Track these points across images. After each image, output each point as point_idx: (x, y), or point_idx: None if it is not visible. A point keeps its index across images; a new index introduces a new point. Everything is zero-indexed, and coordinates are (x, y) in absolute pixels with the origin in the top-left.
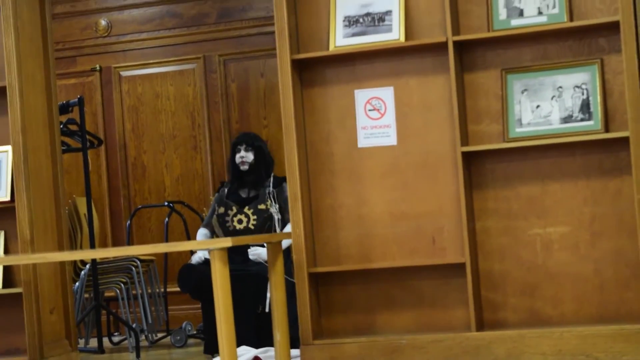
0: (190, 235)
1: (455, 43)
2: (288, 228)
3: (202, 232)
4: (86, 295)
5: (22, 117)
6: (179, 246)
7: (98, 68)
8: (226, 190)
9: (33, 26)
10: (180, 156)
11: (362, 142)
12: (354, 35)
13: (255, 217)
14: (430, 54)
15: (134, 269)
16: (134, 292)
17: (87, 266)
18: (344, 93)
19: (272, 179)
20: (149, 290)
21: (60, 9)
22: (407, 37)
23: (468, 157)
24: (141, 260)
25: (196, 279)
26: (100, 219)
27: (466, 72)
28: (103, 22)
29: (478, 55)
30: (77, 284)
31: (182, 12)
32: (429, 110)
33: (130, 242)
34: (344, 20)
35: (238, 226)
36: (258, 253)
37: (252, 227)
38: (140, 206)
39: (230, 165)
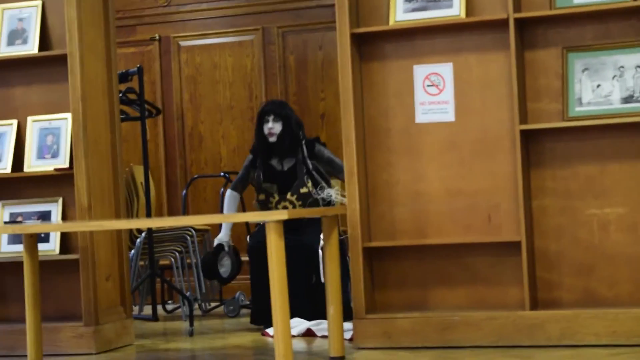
0: (245, 206)
1: (516, 20)
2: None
3: (231, 195)
4: (141, 263)
5: (82, 85)
6: (234, 217)
7: (157, 37)
8: (261, 174)
9: None
10: (237, 127)
11: (420, 117)
12: (414, 10)
13: (299, 202)
14: (491, 30)
15: (189, 238)
16: (188, 261)
17: (143, 234)
18: (403, 68)
19: (304, 147)
20: None
21: None
22: (467, 13)
23: (526, 136)
24: (196, 230)
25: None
26: (157, 187)
27: (526, 50)
28: None
29: (539, 33)
30: (132, 251)
31: None
32: (487, 88)
33: (185, 212)
34: None
35: None
36: (329, 193)
37: None
38: (196, 176)
39: (257, 135)
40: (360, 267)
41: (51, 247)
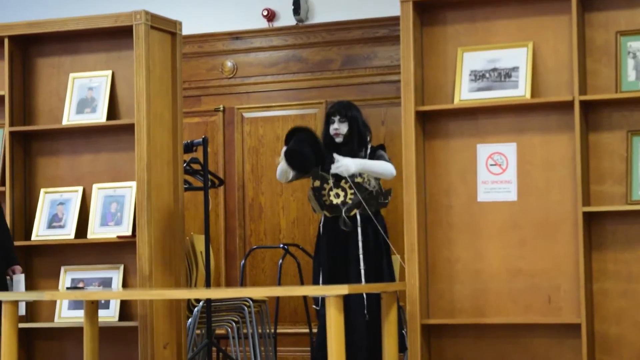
0: (303, 280)
1: (581, 102)
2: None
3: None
4: (197, 332)
5: (148, 154)
6: (294, 290)
7: (221, 108)
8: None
9: (163, 66)
10: (297, 199)
11: (482, 196)
12: (479, 89)
13: (352, 191)
14: (556, 112)
15: (246, 308)
16: (244, 331)
17: (201, 303)
18: (466, 147)
19: (368, 149)
20: (260, 331)
21: (188, 49)
22: (532, 94)
23: (589, 218)
24: (254, 300)
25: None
26: (216, 257)
27: (591, 132)
28: (229, 64)
29: (604, 116)
30: (189, 320)
31: (308, 57)
32: (551, 168)
33: (243, 282)
34: (470, 75)
35: (335, 200)
36: (344, 164)
37: (350, 202)
38: (255, 247)
39: (323, 136)
40: (418, 344)
41: (111, 314)
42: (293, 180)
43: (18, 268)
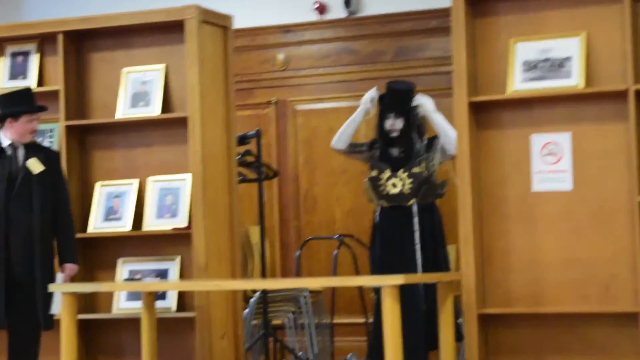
0: (359, 270)
1: (636, 92)
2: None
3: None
4: (254, 322)
5: (202, 147)
6: (350, 281)
7: (274, 101)
8: (378, 152)
9: (215, 59)
10: (351, 190)
11: (537, 186)
12: (532, 80)
13: (410, 180)
14: (610, 101)
15: (302, 299)
16: (301, 321)
17: (257, 294)
18: (520, 137)
19: (424, 141)
20: (316, 321)
21: (240, 42)
22: (586, 84)
23: None
24: (310, 291)
25: None
26: (271, 248)
27: None
28: (281, 57)
29: None
30: (246, 310)
31: (359, 49)
32: (606, 158)
33: (299, 273)
34: (522, 65)
35: (392, 190)
36: (423, 102)
37: (408, 192)
38: (310, 238)
39: (379, 128)
40: (475, 333)
41: (168, 305)
42: (347, 152)
43: (69, 267)
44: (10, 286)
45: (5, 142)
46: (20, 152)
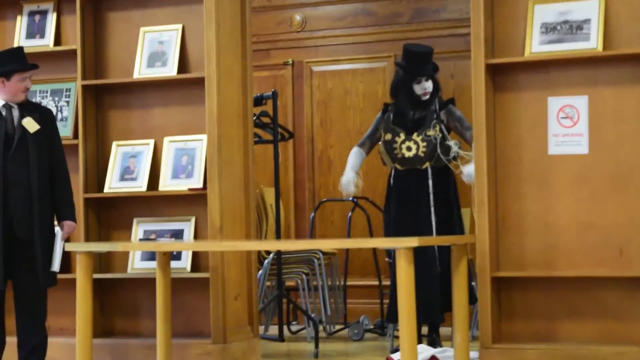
0: (373, 232)
1: None
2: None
3: (355, 151)
4: (268, 284)
5: (219, 108)
6: (364, 242)
7: (290, 62)
8: (392, 115)
9: (233, 20)
10: None
11: (553, 149)
12: (550, 42)
13: (424, 144)
14: (628, 64)
15: (316, 260)
16: (314, 283)
17: (271, 255)
18: (537, 100)
19: (437, 101)
20: (329, 283)
21: (257, 3)
22: (605, 47)
23: None
24: (323, 253)
25: None
26: (285, 210)
27: None
28: (298, 17)
29: None
30: (260, 272)
31: (376, 11)
32: (623, 122)
33: (312, 235)
34: (541, 27)
35: (407, 153)
36: (469, 174)
37: (422, 155)
38: (324, 199)
39: (406, 91)
40: (488, 296)
41: (183, 265)
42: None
43: (67, 224)
44: (11, 245)
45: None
46: (15, 112)
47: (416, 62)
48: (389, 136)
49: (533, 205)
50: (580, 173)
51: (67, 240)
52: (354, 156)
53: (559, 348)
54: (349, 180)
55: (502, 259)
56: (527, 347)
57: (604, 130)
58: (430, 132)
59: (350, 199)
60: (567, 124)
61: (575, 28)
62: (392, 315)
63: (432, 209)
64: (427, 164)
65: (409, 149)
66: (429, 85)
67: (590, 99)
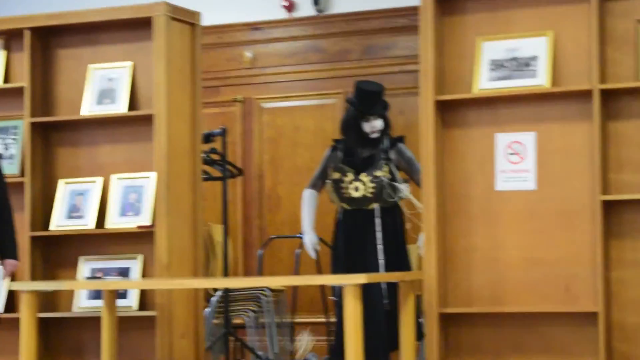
0: (321, 269)
1: (601, 91)
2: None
3: (308, 195)
4: (215, 321)
5: (167, 145)
6: (312, 279)
7: (240, 99)
8: (340, 153)
9: (183, 57)
10: None
11: (501, 185)
12: (498, 79)
13: (373, 185)
14: (575, 101)
15: (263, 298)
16: (262, 320)
17: (219, 293)
18: (485, 136)
19: (387, 139)
20: (277, 320)
21: (207, 40)
22: (552, 83)
23: (607, 206)
24: (271, 290)
25: None
26: (233, 247)
27: (610, 121)
28: (248, 54)
29: (623, 105)
30: (207, 309)
31: (326, 48)
32: (570, 157)
33: (261, 272)
34: (489, 64)
35: (355, 194)
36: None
37: (370, 195)
38: (273, 236)
39: (355, 129)
40: (436, 333)
41: (129, 304)
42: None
43: (9, 262)
44: None
45: None
46: None
47: (366, 100)
48: (337, 175)
49: (481, 241)
50: (527, 209)
51: (11, 279)
52: (309, 204)
53: None
54: (308, 242)
55: (450, 295)
56: None
57: (552, 166)
58: (378, 173)
59: (299, 235)
60: (514, 160)
61: (523, 65)
62: (336, 353)
63: (380, 247)
64: (375, 205)
65: (356, 189)
66: (378, 123)
67: (538, 135)
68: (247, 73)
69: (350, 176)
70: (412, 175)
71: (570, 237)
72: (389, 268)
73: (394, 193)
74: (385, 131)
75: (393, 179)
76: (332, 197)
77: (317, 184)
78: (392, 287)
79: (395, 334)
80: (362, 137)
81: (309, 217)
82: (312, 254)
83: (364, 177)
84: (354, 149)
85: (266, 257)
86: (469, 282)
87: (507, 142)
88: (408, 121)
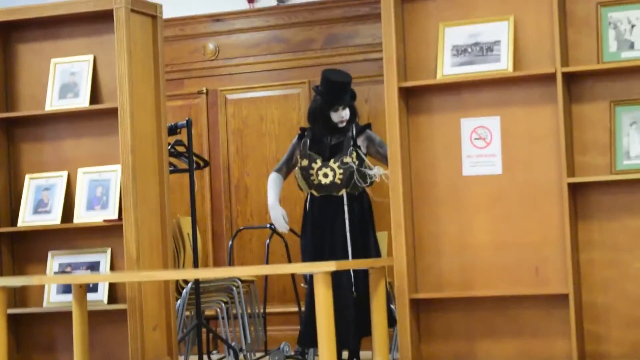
0: (291, 259)
1: (564, 74)
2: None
3: (273, 177)
4: (187, 313)
5: (132, 138)
6: (282, 269)
7: (205, 91)
8: (308, 141)
9: (145, 49)
10: None
11: (467, 170)
12: (461, 64)
13: (341, 171)
14: (538, 84)
15: (235, 288)
16: (234, 311)
17: (189, 285)
18: (450, 121)
19: (354, 127)
20: (249, 310)
21: (169, 32)
22: (515, 68)
23: (574, 189)
24: (242, 281)
25: None
26: (203, 238)
27: (574, 104)
28: (211, 46)
29: (587, 87)
30: (178, 302)
31: (289, 38)
32: (535, 141)
33: (231, 263)
34: (452, 50)
35: (324, 180)
36: (377, 171)
37: (339, 182)
38: (242, 227)
39: (323, 119)
40: (407, 318)
41: (99, 297)
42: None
43: None
44: None
45: None
46: None
47: (334, 91)
48: (305, 162)
49: (449, 226)
50: (494, 193)
51: None
52: (274, 184)
53: None
54: (277, 215)
55: (420, 281)
56: None
57: (517, 149)
58: (347, 159)
59: (268, 225)
60: (480, 145)
61: (486, 50)
62: (304, 339)
63: (348, 234)
64: (343, 191)
65: (325, 175)
66: (346, 113)
67: (502, 119)
68: (211, 65)
69: (319, 163)
70: (384, 158)
71: (538, 220)
72: (358, 254)
73: (363, 179)
74: (352, 120)
75: (361, 165)
76: (300, 184)
77: (283, 169)
78: (360, 273)
79: (366, 320)
80: (331, 127)
81: (274, 194)
82: (283, 227)
83: (332, 163)
84: (321, 138)
85: (236, 248)
86: (439, 267)
87: (472, 127)
88: (373, 109)
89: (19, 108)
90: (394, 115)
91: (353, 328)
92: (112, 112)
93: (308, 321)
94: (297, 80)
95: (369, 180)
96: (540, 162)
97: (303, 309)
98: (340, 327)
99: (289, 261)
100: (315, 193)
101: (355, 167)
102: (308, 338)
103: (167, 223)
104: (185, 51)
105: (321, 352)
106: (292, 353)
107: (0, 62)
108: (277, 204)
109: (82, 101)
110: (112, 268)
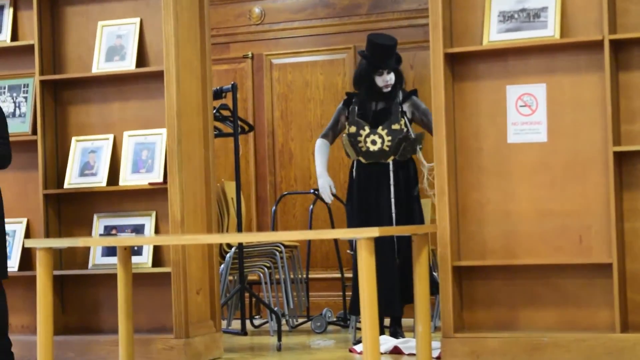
0: (334, 224)
1: (611, 42)
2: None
3: (320, 144)
4: (230, 278)
5: (178, 101)
6: (325, 234)
7: (250, 55)
8: (356, 107)
9: (191, 13)
10: None
11: (512, 138)
12: (508, 30)
13: (389, 137)
14: (585, 52)
15: (278, 254)
16: (277, 276)
17: (233, 249)
18: (496, 88)
19: (401, 93)
20: (292, 276)
21: None
22: (562, 34)
23: (619, 157)
24: (285, 246)
25: None
26: (246, 203)
27: (621, 71)
28: (257, 10)
29: (634, 55)
30: (222, 266)
31: (335, 2)
32: (581, 109)
33: (274, 228)
34: (498, 16)
35: (372, 147)
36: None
37: (387, 149)
38: (286, 192)
39: (368, 83)
40: (450, 286)
41: (144, 260)
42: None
43: None
44: None
45: None
46: None
47: (379, 54)
48: (353, 129)
49: (493, 193)
50: (539, 161)
51: (26, 236)
52: (321, 151)
53: (520, 336)
54: (324, 185)
55: (463, 248)
56: (488, 335)
57: (563, 117)
58: (396, 127)
59: (312, 191)
60: (525, 112)
61: (533, 16)
62: (355, 308)
63: (393, 201)
64: (391, 158)
65: (373, 142)
66: (390, 77)
67: (548, 86)
68: (256, 29)
69: (367, 130)
70: (428, 126)
71: (582, 189)
72: (402, 222)
73: (414, 145)
74: (398, 85)
75: (408, 131)
76: (348, 151)
77: (329, 135)
78: (404, 241)
79: (408, 288)
80: (375, 91)
81: (322, 162)
82: (328, 197)
83: (380, 130)
84: (367, 103)
85: (279, 213)
86: (482, 235)
87: (518, 94)
88: (418, 75)
89: (66, 70)
90: (439, 81)
91: (396, 295)
92: (158, 75)
93: (358, 290)
94: (343, 45)
95: (417, 147)
96: (586, 130)
97: (346, 275)
98: (384, 293)
99: (332, 227)
100: (362, 160)
101: (404, 134)
102: (359, 305)
103: (211, 187)
104: (231, 15)
105: (363, 318)
106: (335, 319)
107: (48, 24)
108: (326, 172)
109: (128, 64)
110: (156, 231)
